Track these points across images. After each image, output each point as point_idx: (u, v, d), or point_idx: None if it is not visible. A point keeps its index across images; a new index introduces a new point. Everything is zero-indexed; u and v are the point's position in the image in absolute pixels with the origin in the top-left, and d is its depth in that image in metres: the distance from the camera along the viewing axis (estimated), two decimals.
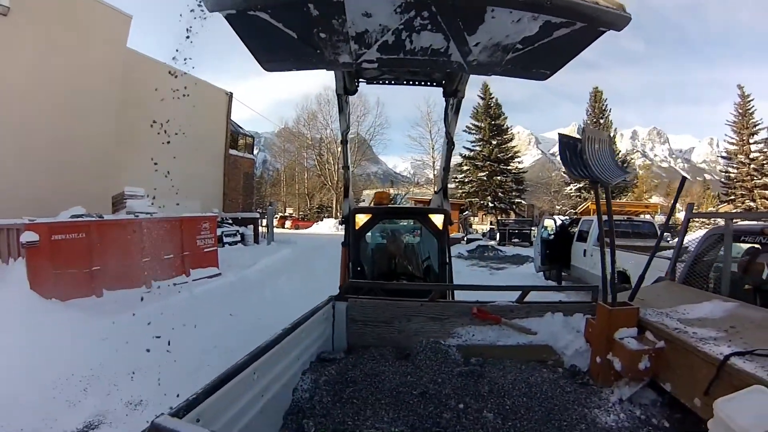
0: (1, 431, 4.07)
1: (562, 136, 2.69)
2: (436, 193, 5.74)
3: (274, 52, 2.35)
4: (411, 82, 4.47)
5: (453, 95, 4.42)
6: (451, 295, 4.62)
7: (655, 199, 45.99)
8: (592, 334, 2.74)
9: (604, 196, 2.71)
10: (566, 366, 2.76)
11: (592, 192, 2.79)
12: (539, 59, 2.40)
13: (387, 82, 4.57)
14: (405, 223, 6.38)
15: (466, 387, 2.45)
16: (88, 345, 6.12)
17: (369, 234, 5.62)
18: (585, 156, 2.57)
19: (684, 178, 3.82)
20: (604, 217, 2.79)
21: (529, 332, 3.01)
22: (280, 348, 2.35)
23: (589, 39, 2.19)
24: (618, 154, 45.44)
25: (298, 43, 2.21)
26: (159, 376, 5.08)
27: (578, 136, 2.65)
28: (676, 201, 3.56)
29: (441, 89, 4.48)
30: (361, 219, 5.17)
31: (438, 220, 5.16)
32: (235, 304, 8.84)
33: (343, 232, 5.44)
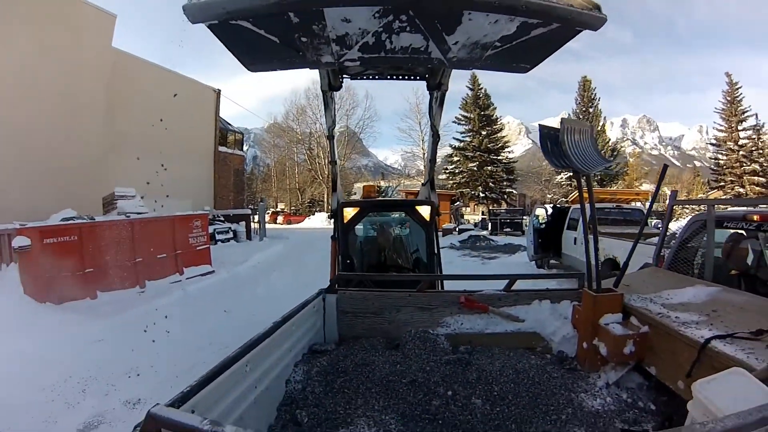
0: None
1: (542, 127, 2.72)
2: (423, 184, 5.79)
3: (258, 55, 2.40)
4: (394, 77, 4.51)
5: (437, 88, 4.49)
6: (440, 286, 4.70)
7: (646, 187, 46.04)
8: (578, 320, 2.80)
9: (586, 185, 2.76)
10: (554, 352, 2.83)
11: (576, 181, 2.81)
12: (519, 55, 2.45)
13: (371, 77, 4.62)
14: (394, 216, 6.44)
15: (455, 374, 2.52)
16: (85, 347, 6.16)
17: (358, 227, 5.67)
18: (564, 146, 2.61)
19: (665, 165, 3.82)
20: (587, 206, 2.83)
21: (516, 320, 3.07)
22: (272, 341, 2.41)
23: (566, 37, 2.24)
24: (608, 142, 45.73)
25: (281, 47, 2.25)
26: (156, 375, 5.14)
27: (558, 127, 2.68)
28: (658, 188, 3.62)
29: (425, 83, 4.52)
30: (349, 213, 5.23)
31: (425, 211, 5.23)
32: (229, 301, 8.90)
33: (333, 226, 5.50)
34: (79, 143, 12.97)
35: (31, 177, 11.65)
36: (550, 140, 2.69)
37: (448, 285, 4.51)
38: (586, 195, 2.81)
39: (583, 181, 2.76)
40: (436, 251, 5.19)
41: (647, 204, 18.72)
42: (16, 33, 11.28)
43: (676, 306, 2.59)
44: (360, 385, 2.46)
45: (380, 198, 8.53)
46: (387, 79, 4.54)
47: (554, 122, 3.50)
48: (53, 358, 5.67)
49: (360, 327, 3.27)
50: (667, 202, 4.22)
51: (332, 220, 5.48)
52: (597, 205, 11.64)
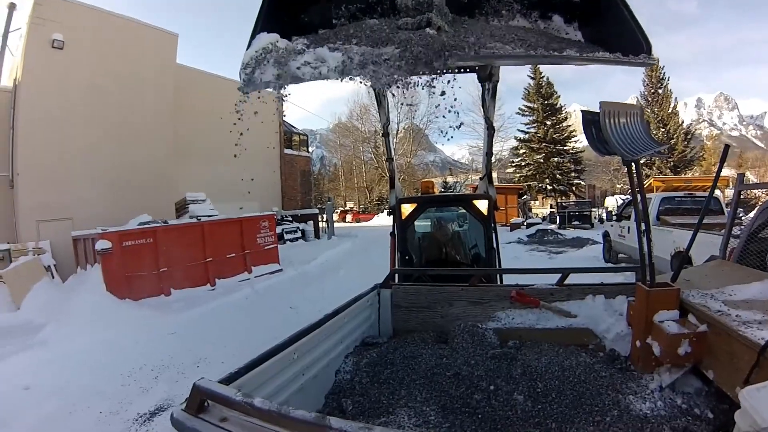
0: (85, 413, 4.54)
1: (585, 113, 2.59)
2: (481, 179, 5.66)
3: None
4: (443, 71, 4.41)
5: (488, 80, 4.34)
6: (499, 280, 4.59)
7: (726, 172, 42.58)
8: (632, 317, 2.63)
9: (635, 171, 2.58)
10: (606, 350, 2.68)
11: (626, 168, 2.61)
12: None
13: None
14: (451, 211, 6.33)
15: (499, 369, 2.47)
16: (159, 339, 6.67)
17: (417, 222, 5.64)
18: (606, 132, 2.46)
19: (727, 146, 3.49)
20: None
21: (568, 315, 2.96)
22: (321, 332, 2.51)
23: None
24: (681, 124, 42.34)
25: None
26: (222, 366, 5.42)
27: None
28: (719, 171, 3.30)
29: (475, 75, 4.40)
30: (407, 209, 5.25)
31: (482, 206, 5.13)
32: (296, 298, 9.22)
33: None
34: (149, 154, 13.85)
35: (109, 191, 12.60)
36: (594, 126, 2.54)
37: (506, 279, 4.42)
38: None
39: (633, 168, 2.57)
40: (494, 246, 5.07)
41: (726, 191, 17.33)
42: (84, 58, 12.19)
43: (738, 303, 2.32)
44: (405, 377, 2.49)
45: (442, 193, 8.44)
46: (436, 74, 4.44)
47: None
48: (130, 349, 6.21)
49: (414, 321, 3.32)
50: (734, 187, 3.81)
51: (391, 217, 5.50)
52: (668, 194, 11.15)
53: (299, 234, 20.66)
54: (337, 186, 58.19)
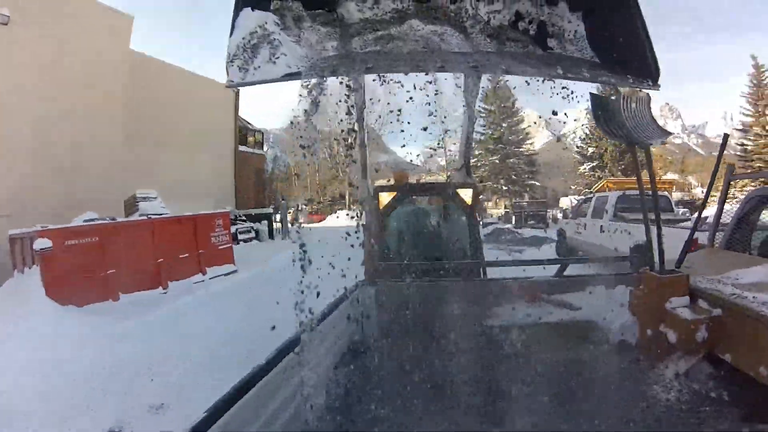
0: None
1: (594, 96, 2.52)
2: (457, 170, 5.43)
3: None
4: None
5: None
6: (483, 273, 4.39)
7: (670, 176, 45.19)
8: (639, 305, 2.55)
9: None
10: (612, 341, 2.58)
11: (630, 154, 2.64)
12: None
13: None
14: (432, 201, 6.02)
15: (515, 371, 2.30)
16: (107, 349, 6.01)
17: (395, 213, 5.28)
18: (622, 116, 2.45)
19: (726, 135, 3.55)
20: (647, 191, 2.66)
21: (571, 308, 2.85)
22: (307, 342, 2.14)
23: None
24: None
25: None
26: (184, 379, 4.94)
27: (611, 95, 2.56)
28: (718, 163, 3.31)
29: None
30: (386, 198, 4.84)
31: (467, 195, 4.85)
32: (254, 300, 8.55)
33: (355, 222, 5.11)
34: (98, 148, 12.94)
35: (54, 180, 11.69)
36: (602, 109, 2.53)
37: (491, 272, 4.24)
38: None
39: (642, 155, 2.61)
40: (477, 236, 4.85)
41: (673, 193, 18.43)
42: (32, 38, 11.27)
43: (749, 286, 2.31)
44: (408, 385, 2.20)
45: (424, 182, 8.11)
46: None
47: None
48: (75, 361, 5.55)
49: (403, 321, 2.92)
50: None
51: (357, 214, 5.13)
52: (623, 193, 11.82)
53: (253, 234, 19.96)
54: (290, 186, 57.21)
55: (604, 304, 2.77)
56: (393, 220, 5.21)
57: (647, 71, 2.02)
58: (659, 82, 2.03)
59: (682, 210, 17.56)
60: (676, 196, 17.66)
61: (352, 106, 4.41)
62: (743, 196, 4.04)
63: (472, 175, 5.15)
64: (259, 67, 1.85)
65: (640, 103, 2.53)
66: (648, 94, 2.62)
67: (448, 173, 6.00)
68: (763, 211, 3.71)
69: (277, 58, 1.84)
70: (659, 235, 2.54)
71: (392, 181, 5.47)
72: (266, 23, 1.90)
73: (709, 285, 2.43)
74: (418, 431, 1.91)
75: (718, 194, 4.09)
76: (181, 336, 6.38)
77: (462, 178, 5.12)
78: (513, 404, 2.02)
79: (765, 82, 37.93)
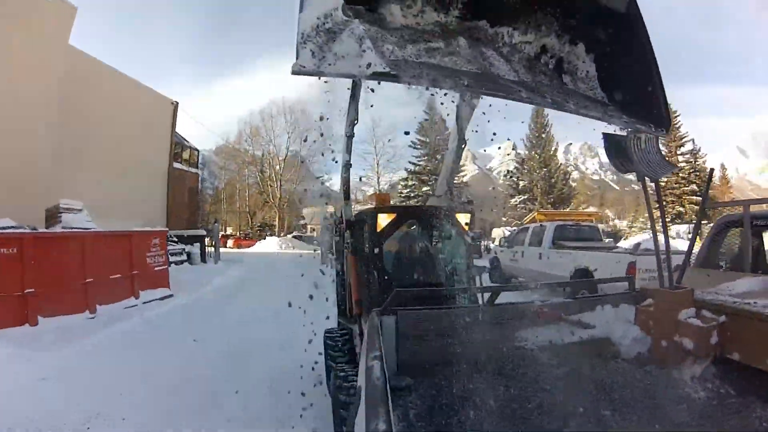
0: None
1: (607, 135, 2.78)
2: (438, 195, 5.32)
3: None
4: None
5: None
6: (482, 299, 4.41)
7: (591, 209, 48.77)
8: (647, 320, 2.77)
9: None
10: (626, 355, 2.72)
11: (640, 186, 2.97)
12: None
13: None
14: (429, 226, 5.76)
15: (569, 389, 2.27)
16: (27, 388, 5.02)
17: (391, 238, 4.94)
18: (630, 152, 2.75)
19: (712, 169, 4.72)
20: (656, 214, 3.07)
21: (587, 327, 2.96)
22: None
23: None
24: (559, 166, 47.85)
25: None
26: (124, 423, 4.17)
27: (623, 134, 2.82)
28: (707, 191, 4.29)
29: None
30: (384, 220, 4.53)
31: (464, 219, 4.80)
32: (197, 329, 7.84)
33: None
34: (22, 146, 11.61)
35: None
36: (614, 147, 2.82)
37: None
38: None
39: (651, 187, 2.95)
40: (471, 263, 4.81)
41: (598, 223, 20.26)
42: None
43: (743, 294, 2.72)
44: (478, 419, 2.02)
45: (422, 205, 7.87)
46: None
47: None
48: None
49: (426, 352, 2.75)
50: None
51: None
52: (561, 223, 13.09)
53: (185, 257, 19.08)
54: (218, 209, 55.16)
55: (613, 321, 2.93)
56: (391, 245, 4.94)
57: (660, 120, 2.22)
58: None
59: (607, 239, 19.11)
60: (601, 226, 19.48)
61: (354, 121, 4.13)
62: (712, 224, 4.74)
63: (456, 201, 5.14)
64: (343, 57, 1.67)
65: (649, 142, 2.80)
66: (655, 133, 2.81)
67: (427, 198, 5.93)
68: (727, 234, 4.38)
69: (364, 51, 1.66)
70: (668, 255, 2.85)
71: (375, 204, 5.22)
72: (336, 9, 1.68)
73: (710, 297, 2.73)
74: None
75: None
76: (112, 378, 5.33)
77: (447, 203, 5.08)
78: (589, 423, 2.01)
79: (676, 125, 42.56)
